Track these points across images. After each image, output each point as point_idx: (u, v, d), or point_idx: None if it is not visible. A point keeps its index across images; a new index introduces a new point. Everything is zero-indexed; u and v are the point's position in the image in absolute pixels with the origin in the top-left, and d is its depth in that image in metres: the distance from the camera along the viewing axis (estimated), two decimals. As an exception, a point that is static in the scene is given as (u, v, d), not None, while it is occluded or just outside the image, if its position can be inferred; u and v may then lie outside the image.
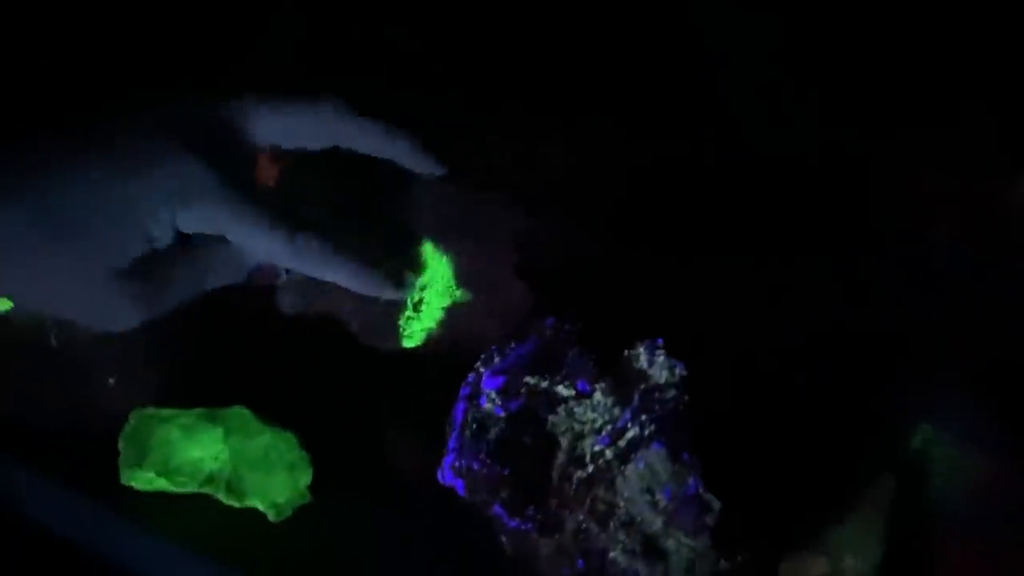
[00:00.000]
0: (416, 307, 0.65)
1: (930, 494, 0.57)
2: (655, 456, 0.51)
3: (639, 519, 0.52)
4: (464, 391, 0.59)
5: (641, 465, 0.51)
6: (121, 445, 0.64)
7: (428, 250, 0.64)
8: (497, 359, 0.58)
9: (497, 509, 0.54)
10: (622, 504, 0.52)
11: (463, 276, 0.64)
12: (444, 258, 0.64)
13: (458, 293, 0.64)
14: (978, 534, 0.56)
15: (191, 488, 0.63)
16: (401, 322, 0.65)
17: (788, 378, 0.58)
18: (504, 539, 0.55)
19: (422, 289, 0.64)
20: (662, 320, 0.56)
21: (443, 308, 0.64)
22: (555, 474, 0.54)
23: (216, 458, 0.64)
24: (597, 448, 0.53)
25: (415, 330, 0.65)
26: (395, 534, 0.60)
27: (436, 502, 0.60)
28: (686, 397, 0.53)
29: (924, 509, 0.57)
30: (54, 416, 0.68)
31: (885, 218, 0.63)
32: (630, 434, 0.52)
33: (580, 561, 0.52)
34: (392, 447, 0.65)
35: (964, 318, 0.59)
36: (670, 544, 0.51)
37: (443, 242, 0.63)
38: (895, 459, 0.58)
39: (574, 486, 0.53)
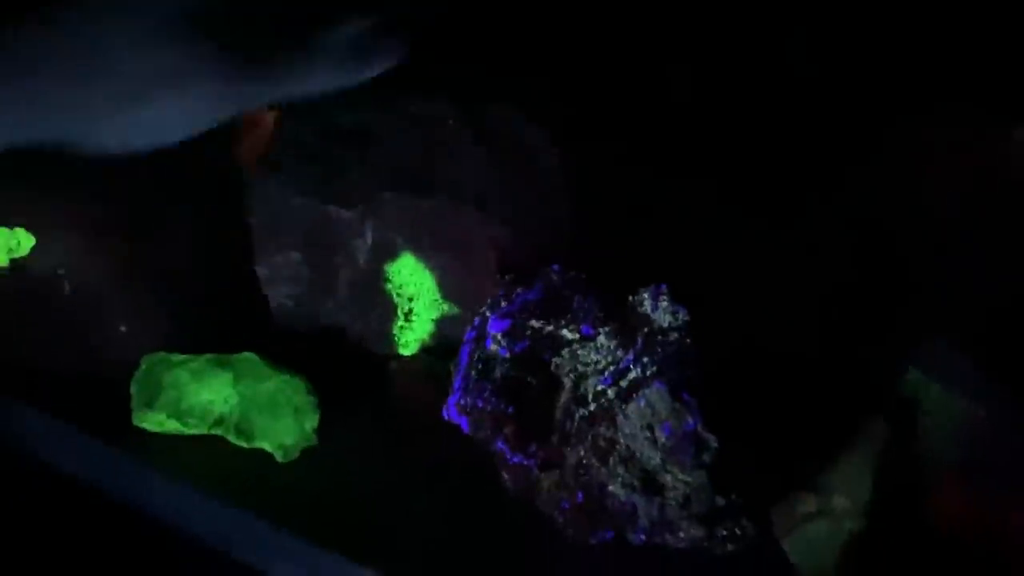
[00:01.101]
0: (407, 317, 0.67)
1: (919, 437, 0.58)
2: (655, 395, 0.53)
3: (638, 455, 0.53)
4: (470, 334, 0.60)
5: (642, 403, 0.53)
6: (133, 388, 0.66)
7: (412, 263, 0.66)
8: (503, 304, 0.59)
9: (500, 445, 0.55)
10: (622, 441, 0.53)
11: (446, 288, 0.66)
12: (428, 271, 0.66)
13: (445, 306, 0.66)
14: (965, 475, 0.57)
15: (201, 430, 0.65)
16: (395, 332, 0.67)
17: (784, 325, 0.59)
18: (505, 475, 0.57)
19: (411, 300, 0.67)
20: (665, 267, 0.58)
21: (433, 319, 0.67)
22: (558, 413, 0.56)
23: (225, 401, 0.65)
24: (599, 388, 0.54)
25: (408, 340, 0.67)
26: (400, 472, 0.62)
27: (440, 441, 0.61)
28: (688, 340, 0.55)
29: (913, 452, 0.58)
30: (67, 362, 0.69)
31: (879, 165, 0.64)
32: (632, 374, 0.54)
33: (580, 495, 0.54)
34: (398, 390, 0.66)
35: (955, 266, 0.60)
36: (667, 479, 0.53)
37: (424, 256, 0.65)
38: (886, 404, 0.59)
39: (575, 423, 0.54)
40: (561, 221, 0.67)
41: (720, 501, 0.53)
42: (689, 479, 0.52)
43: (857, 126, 0.66)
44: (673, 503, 0.53)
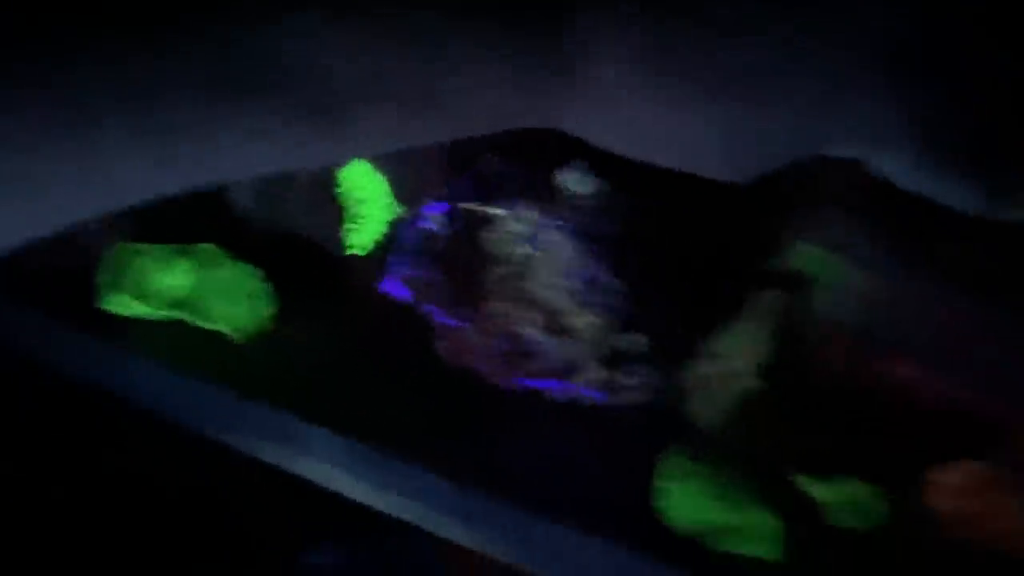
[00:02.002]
0: (357, 219, 0.72)
1: (809, 301, 0.64)
2: (568, 247, 0.59)
3: (549, 302, 0.59)
4: (411, 219, 0.66)
5: (556, 256, 0.59)
6: (101, 275, 0.71)
7: (364, 168, 0.71)
8: (447, 190, 0.65)
9: (433, 309, 0.61)
10: (535, 290, 0.59)
11: (399, 191, 0.71)
12: (381, 175, 0.71)
13: (398, 208, 0.71)
14: (851, 334, 0.63)
15: (163, 312, 0.70)
16: (346, 233, 0.73)
17: (693, 203, 0.65)
18: (441, 337, 0.63)
19: (361, 203, 0.72)
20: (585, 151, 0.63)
21: (386, 222, 0.72)
22: (485, 277, 0.62)
23: (185, 286, 0.71)
24: (519, 250, 0.60)
25: (359, 241, 0.73)
26: (347, 346, 0.68)
27: (383, 318, 0.67)
28: (603, 204, 0.61)
29: (803, 315, 0.64)
30: (36, 253, 0.74)
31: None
32: (547, 235, 0.60)
33: (498, 341, 0.59)
34: (346, 277, 0.72)
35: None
36: (578, 322, 0.59)
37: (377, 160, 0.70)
38: (787, 275, 0.65)
39: (497, 281, 0.60)
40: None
41: (624, 343, 0.59)
42: (597, 321, 0.58)
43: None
44: (585, 343, 0.59)
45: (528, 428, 0.61)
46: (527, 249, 0.60)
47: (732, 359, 0.64)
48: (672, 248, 0.63)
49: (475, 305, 0.61)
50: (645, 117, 0.39)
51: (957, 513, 0.55)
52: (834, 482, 0.58)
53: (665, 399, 0.62)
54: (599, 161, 0.63)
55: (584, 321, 0.59)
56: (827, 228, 0.65)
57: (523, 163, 0.65)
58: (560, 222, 0.60)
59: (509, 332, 0.60)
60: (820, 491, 0.58)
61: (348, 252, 0.74)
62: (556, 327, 0.59)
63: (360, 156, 0.69)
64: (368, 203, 0.73)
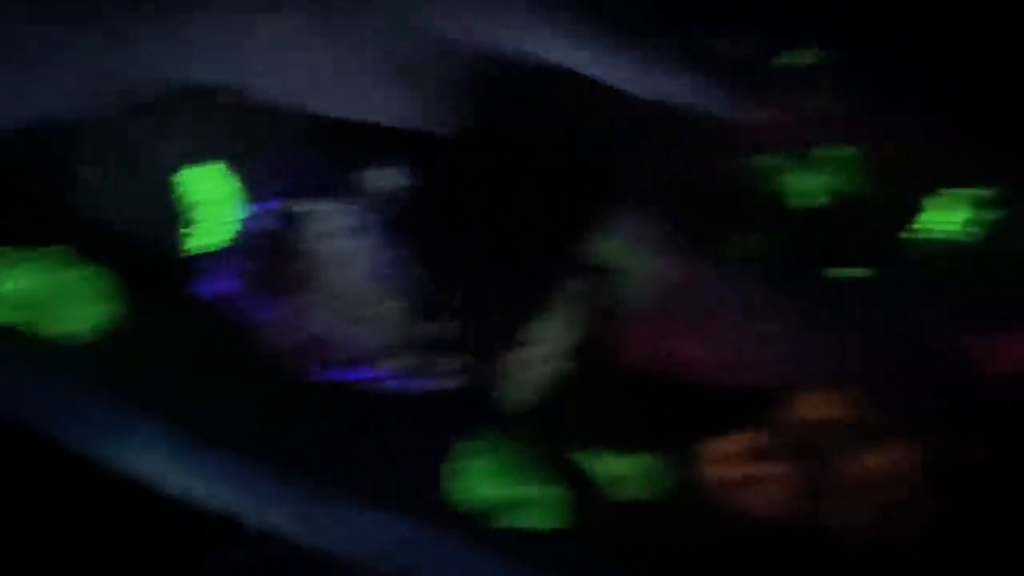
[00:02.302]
0: (202, 221, 0.75)
1: (616, 291, 0.68)
2: (372, 238, 0.62)
3: (347, 292, 0.62)
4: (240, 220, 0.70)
5: (360, 247, 0.62)
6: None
7: (215, 170, 0.74)
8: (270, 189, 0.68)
9: (248, 305, 0.64)
10: (335, 282, 0.62)
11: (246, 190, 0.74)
12: (232, 178, 0.74)
13: (242, 207, 0.74)
14: (649, 319, 0.66)
15: (6, 316, 0.73)
16: (190, 233, 0.75)
17: (499, 190, 0.68)
18: (263, 335, 0.66)
19: (215, 206, 0.75)
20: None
21: (232, 221, 0.75)
22: (298, 270, 0.65)
23: (30, 289, 0.74)
24: (329, 243, 0.63)
25: (202, 241, 0.75)
26: (182, 344, 0.70)
27: (216, 317, 0.70)
28: (406, 197, 0.64)
29: (607, 302, 0.67)
30: None
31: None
32: (356, 227, 0.63)
33: (304, 333, 0.63)
34: (190, 278, 0.75)
35: (646, 146, 0.69)
36: (382, 310, 0.62)
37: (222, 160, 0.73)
38: (590, 263, 0.69)
39: (309, 274, 0.64)
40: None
41: (431, 330, 0.62)
42: (397, 305, 0.62)
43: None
44: (386, 329, 0.62)
45: (339, 416, 0.64)
46: (336, 241, 0.63)
47: (542, 345, 0.67)
48: (483, 239, 0.66)
49: (289, 298, 0.64)
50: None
51: (730, 481, 0.58)
52: (621, 456, 0.60)
53: (476, 384, 0.65)
54: (411, 152, 0.66)
55: (387, 308, 0.62)
56: (627, 220, 0.68)
57: (341, 157, 0.68)
58: (367, 213, 0.63)
59: (317, 323, 0.63)
60: (607, 465, 0.61)
61: (195, 252, 0.77)
62: (360, 316, 0.62)
63: None
64: (216, 204, 0.76)
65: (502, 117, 0.69)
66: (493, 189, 0.67)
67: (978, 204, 0.63)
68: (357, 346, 0.62)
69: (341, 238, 0.64)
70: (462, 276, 0.64)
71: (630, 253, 0.68)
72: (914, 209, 0.64)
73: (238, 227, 0.67)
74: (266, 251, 0.66)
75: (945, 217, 0.63)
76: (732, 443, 0.59)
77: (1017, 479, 0.57)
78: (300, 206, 0.66)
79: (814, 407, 0.59)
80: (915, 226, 0.64)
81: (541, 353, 0.66)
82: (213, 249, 0.71)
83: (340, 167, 0.68)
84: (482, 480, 0.60)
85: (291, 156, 0.69)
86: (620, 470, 0.60)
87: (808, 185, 0.68)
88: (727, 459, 0.59)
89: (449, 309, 0.63)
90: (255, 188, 0.69)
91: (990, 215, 0.63)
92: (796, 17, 0.68)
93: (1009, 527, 0.56)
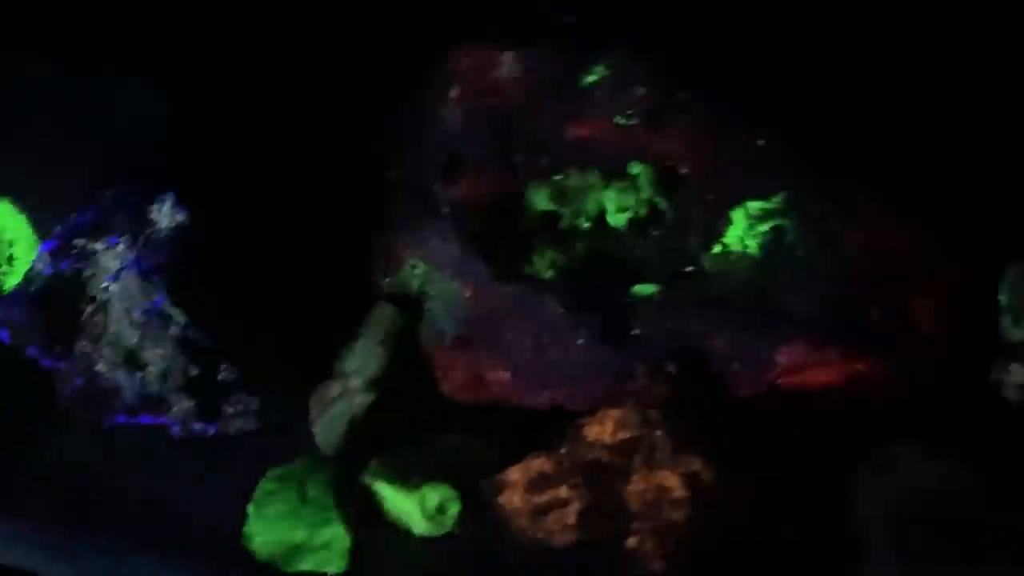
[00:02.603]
0: (9, 262, 0.73)
1: (420, 315, 0.65)
2: (131, 280, 0.60)
3: (121, 336, 0.60)
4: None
5: (121, 288, 0.60)
6: None
7: (7, 208, 0.72)
8: (59, 229, 0.66)
9: (32, 351, 0.62)
10: (110, 326, 0.60)
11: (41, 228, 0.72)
12: (23, 216, 0.72)
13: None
14: (462, 346, 0.64)
15: None
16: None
17: (286, 222, 0.66)
18: (54, 383, 0.63)
19: (11, 245, 0.73)
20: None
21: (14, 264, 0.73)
22: (77, 315, 0.62)
23: None
24: (104, 285, 0.61)
25: (10, 284, 0.73)
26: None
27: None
28: (179, 236, 0.62)
29: (415, 328, 0.65)
30: None
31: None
32: (127, 268, 0.61)
33: (79, 379, 0.60)
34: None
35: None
36: (147, 356, 0.59)
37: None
38: (396, 292, 0.66)
39: (87, 318, 0.61)
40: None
41: (195, 371, 0.60)
42: (163, 353, 0.59)
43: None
44: (153, 376, 0.59)
45: (125, 464, 0.61)
46: (110, 285, 0.61)
47: (350, 377, 0.65)
48: (274, 274, 0.64)
49: (68, 345, 0.62)
50: None
51: (523, 509, 0.55)
52: (419, 490, 0.58)
53: (270, 423, 0.62)
54: (197, 191, 0.64)
55: (157, 354, 0.60)
56: (429, 244, 0.66)
57: (133, 197, 0.66)
58: (137, 253, 0.61)
59: (88, 368, 0.61)
60: (403, 500, 0.58)
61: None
62: (127, 361, 0.60)
63: None
64: (16, 244, 0.73)
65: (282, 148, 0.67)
66: (280, 222, 0.65)
67: (770, 216, 0.61)
68: (140, 391, 0.60)
69: (122, 278, 0.62)
70: (250, 314, 0.62)
71: (432, 278, 0.66)
72: (713, 223, 0.62)
73: (25, 268, 0.66)
74: (49, 294, 0.64)
75: (742, 230, 0.61)
76: (526, 470, 0.56)
77: (808, 490, 0.55)
78: (84, 245, 0.64)
79: (607, 428, 0.56)
80: (713, 240, 0.62)
81: (352, 385, 0.64)
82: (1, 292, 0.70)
83: (120, 204, 0.66)
84: (274, 524, 0.57)
85: (73, 194, 0.67)
86: (416, 505, 0.58)
87: (612, 201, 0.66)
88: (521, 487, 0.56)
89: (234, 350, 0.61)
90: (40, 227, 0.67)
91: (780, 226, 0.60)
92: (597, 34, 0.66)
93: (802, 540, 0.53)
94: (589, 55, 0.65)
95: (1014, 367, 0.57)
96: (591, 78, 0.65)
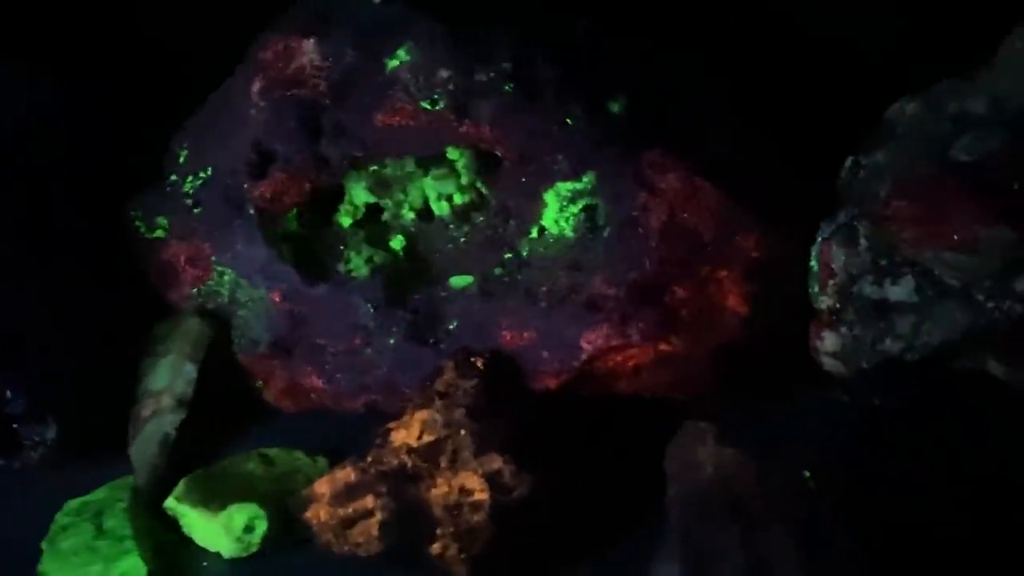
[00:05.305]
0: None
1: (235, 325, 0.62)
2: None
3: None
4: None
5: None
6: None
7: None
8: None
9: None
10: None
11: None
12: None
13: None
14: (274, 354, 0.61)
15: None
16: None
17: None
18: None
19: None
20: None
21: None
22: None
23: None
24: None
25: None
26: None
27: None
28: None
29: (231, 339, 0.62)
30: None
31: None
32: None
33: None
34: None
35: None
36: None
37: None
38: (204, 301, 0.64)
39: None
40: None
41: None
42: None
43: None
44: None
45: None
46: None
47: (160, 395, 0.62)
48: (57, 292, 0.61)
49: None
50: None
51: (328, 523, 0.53)
52: (223, 511, 0.55)
53: (72, 452, 0.59)
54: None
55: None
56: (235, 248, 0.63)
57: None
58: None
59: None
60: (205, 523, 0.55)
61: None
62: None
63: None
64: None
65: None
66: (59, 233, 0.61)
67: (580, 197, 0.58)
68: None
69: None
70: (36, 338, 0.59)
71: (240, 284, 0.63)
72: (525, 208, 0.59)
73: None
74: None
75: (552, 214, 0.59)
76: (332, 482, 0.53)
77: (619, 478, 0.52)
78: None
79: (413, 431, 0.53)
80: (530, 224, 0.59)
81: (157, 406, 0.61)
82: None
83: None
84: (68, 560, 0.54)
85: None
86: (221, 526, 0.55)
87: (432, 189, 0.63)
88: (326, 500, 0.53)
89: (23, 376, 0.57)
90: None
91: (590, 207, 0.58)
92: (400, 14, 0.63)
93: (609, 530, 0.51)
94: (393, 38, 0.62)
95: (826, 334, 0.55)
96: (394, 62, 0.61)
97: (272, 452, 0.59)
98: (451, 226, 0.63)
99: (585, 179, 0.59)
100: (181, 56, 0.71)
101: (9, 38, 0.66)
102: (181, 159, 0.65)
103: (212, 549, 0.55)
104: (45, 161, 0.63)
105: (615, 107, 0.60)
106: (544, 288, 0.58)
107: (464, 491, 0.51)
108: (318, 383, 0.61)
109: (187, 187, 0.64)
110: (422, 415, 0.54)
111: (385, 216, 0.64)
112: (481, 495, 0.51)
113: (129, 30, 0.71)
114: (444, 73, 0.61)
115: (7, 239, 0.59)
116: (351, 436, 0.58)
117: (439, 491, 0.52)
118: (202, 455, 0.60)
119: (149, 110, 0.68)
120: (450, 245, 0.63)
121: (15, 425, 0.57)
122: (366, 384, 0.60)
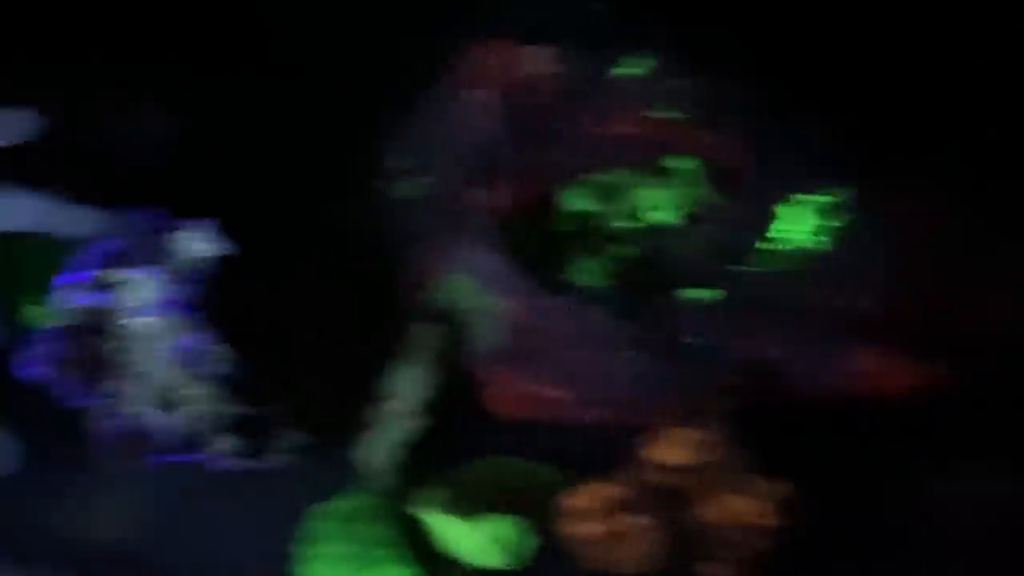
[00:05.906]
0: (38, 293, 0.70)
1: (465, 333, 0.63)
2: (171, 316, 0.57)
3: (157, 375, 0.57)
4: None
5: (156, 326, 0.57)
6: None
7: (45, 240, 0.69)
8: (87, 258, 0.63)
9: (69, 388, 0.60)
10: (144, 364, 0.58)
11: None
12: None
13: None
14: (510, 361, 0.62)
15: None
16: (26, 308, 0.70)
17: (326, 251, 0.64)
18: (90, 422, 0.61)
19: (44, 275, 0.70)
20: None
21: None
22: (109, 351, 0.60)
23: None
24: (135, 320, 0.58)
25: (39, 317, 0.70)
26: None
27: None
28: (215, 268, 0.59)
29: (460, 347, 0.63)
30: None
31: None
32: (162, 302, 0.58)
33: (116, 421, 0.58)
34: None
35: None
36: (185, 393, 0.57)
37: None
38: (435, 310, 0.64)
39: (118, 355, 0.59)
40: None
41: (238, 410, 0.57)
42: (203, 391, 0.57)
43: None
44: (192, 415, 0.57)
45: (163, 505, 0.59)
46: (142, 319, 0.59)
47: (395, 402, 0.62)
48: (311, 305, 0.62)
49: (101, 382, 0.60)
50: None
51: (592, 538, 0.54)
52: (481, 521, 0.56)
53: (319, 458, 0.60)
54: (234, 219, 0.61)
55: (196, 392, 0.57)
56: (468, 257, 0.63)
57: (157, 225, 0.63)
58: (172, 288, 0.58)
59: (127, 411, 0.58)
60: (464, 534, 0.56)
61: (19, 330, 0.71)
62: (164, 400, 0.57)
63: None
64: (49, 274, 0.70)
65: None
66: (311, 247, 0.62)
67: (828, 210, 0.58)
68: (166, 432, 0.58)
69: (143, 314, 0.59)
70: (289, 345, 0.60)
71: (476, 293, 0.63)
72: (764, 219, 0.59)
73: (57, 300, 0.63)
74: (81, 330, 0.61)
75: (796, 226, 0.59)
76: (591, 497, 0.55)
77: (887, 503, 0.53)
78: (113, 276, 0.61)
79: (673, 449, 0.54)
80: (766, 237, 0.60)
81: (395, 409, 0.62)
82: (34, 327, 0.67)
83: (145, 233, 0.63)
84: (332, 564, 0.55)
85: (107, 222, 0.64)
86: (478, 538, 0.56)
87: (655, 200, 0.63)
88: (587, 515, 0.54)
89: (273, 384, 0.58)
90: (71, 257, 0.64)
91: (840, 221, 0.58)
92: (629, 25, 0.62)
93: (881, 556, 0.52)
94: (622, 46, 0.62)
95: None
96: (623, 71, 0.61)
97: (511, 462, 0.60)
98: (683, 237, 0.63)
99: (829, 191, 0.59)
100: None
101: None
102: (401, 167, 0.65)
103: (476, 561, 0.56)
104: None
105: (854, 119, 0.60)
106: (787, 304, 0.59)
107: (737, 513, 0.52)
108: (550, 393, 0.62)
109: (412, 195, 0.64)
110: (684, 433, 0.54)
111: (615, 225, 0.64)
112: (755, 518, 0.51)
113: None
114: (675, 83, 0.61)
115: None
116: (584, 448, 0.58)
117: (709, 512, 0.52)
118: (434, 463, 0.61)
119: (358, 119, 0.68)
120: (683, 256, 0.63)
121: (265, 430, 0.59)
122: (599, 396, 0.61)
